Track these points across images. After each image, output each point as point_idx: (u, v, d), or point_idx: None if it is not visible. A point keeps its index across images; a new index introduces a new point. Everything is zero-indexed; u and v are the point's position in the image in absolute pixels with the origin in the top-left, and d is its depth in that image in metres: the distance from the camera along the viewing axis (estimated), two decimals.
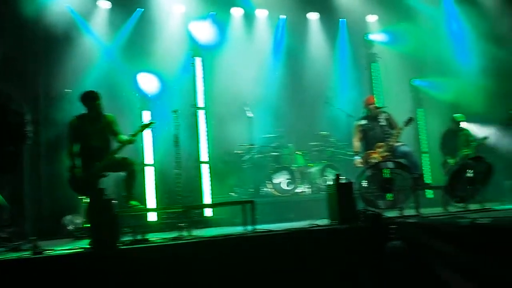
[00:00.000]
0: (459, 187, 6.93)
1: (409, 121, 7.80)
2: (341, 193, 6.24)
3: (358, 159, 7.90)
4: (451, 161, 9.32)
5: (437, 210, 7.19)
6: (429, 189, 9.37)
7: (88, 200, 6.02)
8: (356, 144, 8.06)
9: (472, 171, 6.95)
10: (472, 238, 4.74)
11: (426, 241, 5.52)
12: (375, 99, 8.52)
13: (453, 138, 9.67)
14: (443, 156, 9.55)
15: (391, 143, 7.76)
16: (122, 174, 6.93)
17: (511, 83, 10.14)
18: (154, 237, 5.77)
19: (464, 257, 4.90)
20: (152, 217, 8.68)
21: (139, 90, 9.27)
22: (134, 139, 6.89)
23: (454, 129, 9.69)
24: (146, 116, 9.02)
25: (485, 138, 9.44)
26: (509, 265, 4.24)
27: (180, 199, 6.87)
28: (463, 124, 9.76)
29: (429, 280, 5.43)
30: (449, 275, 5.13)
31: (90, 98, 6.84)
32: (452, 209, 6.88)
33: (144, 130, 7.17)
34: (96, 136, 6.85)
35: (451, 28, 11.57)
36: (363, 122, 8.12)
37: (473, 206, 7.02)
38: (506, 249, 4.29)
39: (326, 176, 10.14)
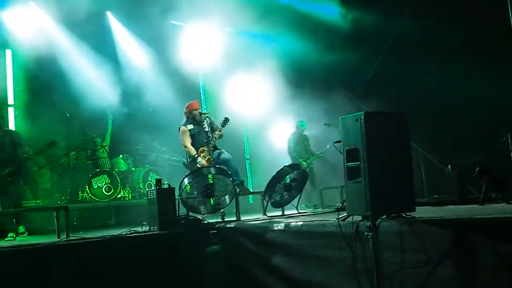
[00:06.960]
0: (276, 193, 7.19)
1: (225, 121, 7.87)
2: (162, 198, 6.10)
3: (202, 160, 7.70)
4: (304, 163, 9.78)
5: (257, 215, 7.39)
6: (249, 194, 9.59)
7: None
8: (191, 147, 7.88)
9: (288, 177, 7.25)
10: (285, 241, 4.94)
11: (244, 245, 5.66)
12: (199, 104, 8.50)
13: (298, 143, 10.22)
14: (295, 159, 9.97)
15: (211, 147, 7.77)
16: None
17: None
18: None
19: (277, 259, 5.09)
20: None
21: None
22: None
23: (298, 135, 10.22)
24: None
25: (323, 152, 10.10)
26: (316, 265, 4.49)
27: None
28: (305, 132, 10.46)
29: (245, 282, 5.58)
30: (264, 276, 5.31)
31: None
32: (270, 214, 7.11)
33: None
34: None
35: None
36: (191, 127, 8.00)
37: (289, 211, 7.34)
38: (313, 250, 4.53)
39: (149, 181, 9.91)
